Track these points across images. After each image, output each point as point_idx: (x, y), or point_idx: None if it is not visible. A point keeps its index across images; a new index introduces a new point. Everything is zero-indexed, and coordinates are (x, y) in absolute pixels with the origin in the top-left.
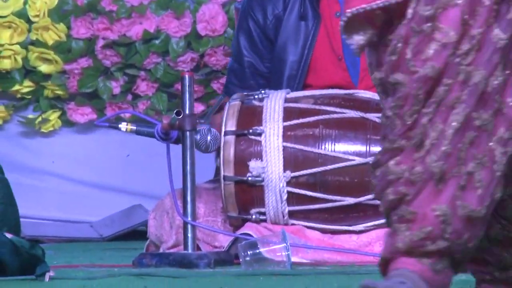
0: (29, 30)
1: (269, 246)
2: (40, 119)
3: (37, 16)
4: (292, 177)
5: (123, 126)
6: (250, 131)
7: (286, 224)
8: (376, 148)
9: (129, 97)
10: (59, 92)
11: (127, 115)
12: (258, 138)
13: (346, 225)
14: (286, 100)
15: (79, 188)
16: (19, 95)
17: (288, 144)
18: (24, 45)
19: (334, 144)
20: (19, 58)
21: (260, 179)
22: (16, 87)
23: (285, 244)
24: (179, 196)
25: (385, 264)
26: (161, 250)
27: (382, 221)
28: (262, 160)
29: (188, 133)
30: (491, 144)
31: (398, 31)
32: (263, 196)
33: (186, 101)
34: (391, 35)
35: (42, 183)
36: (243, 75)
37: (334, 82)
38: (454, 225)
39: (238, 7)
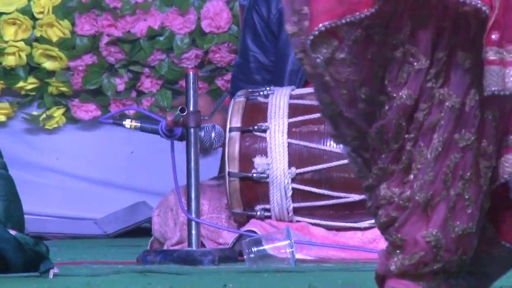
0: (34, 27)
1: (273, 243)
2: (44, 115)
3: (42, 12)
4: (297, 174)
5: (127, 123)
6: (255, 127)
7: (290, 221)
8: None
9: (133, 94)
10: (64, 89)
11: (131, 112)
12: (263, 134)
13: (351, 222)
14: (291, 97)
15: (83, 185)
16: (23, 92)
17: (293, 141)
18: (29, 41)
19: None
20: (23, 55)
21: (265, 175)
22: (21, 83)
23: (289, 241)
24: (183, 193)
25: (381, 279)
26: (165, 247)
27: None
28: (267, 157)
29: (192, 130)
30: (476, 159)
31: (377, 56)
32: (267, 192)
33: (190, 98)
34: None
35: (46, 179)
36: (248, 69)
37: None
38: (446, 246)
39: (243, 3)
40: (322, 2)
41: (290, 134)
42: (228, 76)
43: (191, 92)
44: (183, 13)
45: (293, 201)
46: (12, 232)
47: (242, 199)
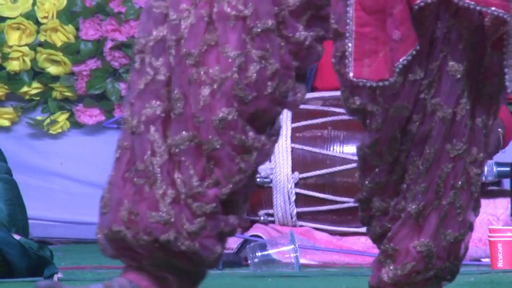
0: (38, 32)
1: (277, 248)
2: (48, 120)
3: (46, 17)
4: (301, 179)
5: None
6: None
7: (294, 226)
8: None
9: None
10: (68, 94)
11: None
12: None
13: (354, 227)
14: None
15: (87, 190)
16: (27, 97)
17: (297, 146)
18: (33, 46)
19: (343, 146)
20: (27, 60)
21: (268, 180)
22: (25, 88)
23: (293, 246)
24: None
25: None
26: None
27: None
28: (270, 161)
29: None
30: (467, 166)
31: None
32: (271, 197)
33: None
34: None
35: (50, 184)
36: None
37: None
38: (438, 254)
39: None
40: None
41: (294, 139)
42: None
43: None
44: None
45: (297, 206)
46: (17, 236)
47: None
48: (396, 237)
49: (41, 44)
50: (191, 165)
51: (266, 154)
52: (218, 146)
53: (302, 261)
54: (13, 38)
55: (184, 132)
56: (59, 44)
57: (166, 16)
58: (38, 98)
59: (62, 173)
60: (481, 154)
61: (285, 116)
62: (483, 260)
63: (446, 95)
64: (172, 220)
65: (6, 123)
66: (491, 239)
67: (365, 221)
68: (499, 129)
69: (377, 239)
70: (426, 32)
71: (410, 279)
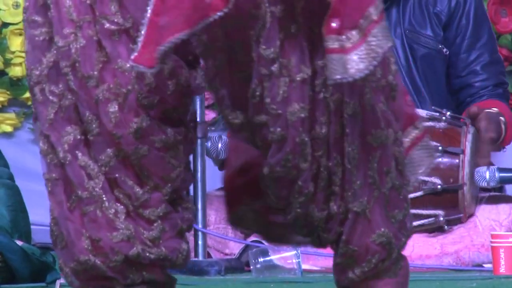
0: None
1: (280, 253)
2: None
3: None
4: None
5: None
6: None
7: None
8: None
9: None
10: None
11: None
12: None
13: None
14: None
15: None
16: (30, 102)
17: None
18: None
19: None
20: None
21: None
22: (27, 94)
23: (296, 251)
24: None
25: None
26: None
27: None
28: None
29: (199, 140)
30: (392, 151)
31: (254, 74)
32: None
33: (197, 108)
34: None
35: None
36: None
37: None
38: (396, 236)
39: None
40: (176, 12)
41: None
42: None
43: (198, 102)
44: None
45: None
46: (19, 242)
47: None
48: (352, 238)
49: None
50: (127, 178)
51: (191, 142)
52: (144, 153)
53: (305, 266)
54: (15, 43)
55: (108, 150)
56: None
57: (51, 41)
58: None
59: None
60: (399, 132)
61: None
62: (485, 265)
63: (349, 90)
64: (133, 233)
65: (9, 129)
66: (493, 244)
67: (311, 236)
68: (501, 118)
69: (332, 244)
70: (298, 30)
71: (378, 268)
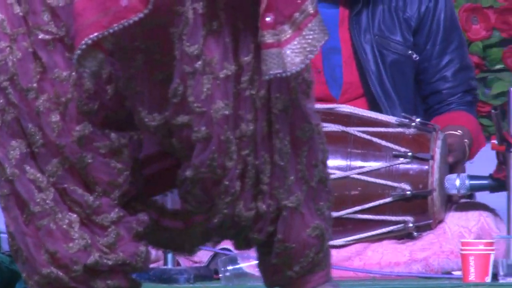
0: None
1: (249, 261)
2: None
3: None
4: None
5: None
6: None
7: None
8: (356, 162)
9: None
10: None
11: None
12: None
13: None
14: None
15: None
16: None
17: None
18: None
19: None
20: None
21: None
22: None
23: None
24: None
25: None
26: None
27: (363, 235)
28: None
29: None
30: (317, 145)
31: (176, 73)
32: None
33: None
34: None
35: None
36: None
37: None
38: (325, 227)
39: None
40: (87, 15)
41: None
42: None
43: None
44: None
45: None
46: None
47: None
48: (289, 235)
49: None
50: (76, 187)
51: (139, 144)
52: (89, 160)
53: None
54: None
55: (53, 160)
56: None
57: None
58: None
59: None
60: (319, 125)
61: None
62: (454, 273)
63: (278, 85)
64: (89, 242)
65: None
66: (463, 252)
67: (239, 237)
68: (465, 140)
69: (266, 245)
70: (220, 27)
71: (313, 263)
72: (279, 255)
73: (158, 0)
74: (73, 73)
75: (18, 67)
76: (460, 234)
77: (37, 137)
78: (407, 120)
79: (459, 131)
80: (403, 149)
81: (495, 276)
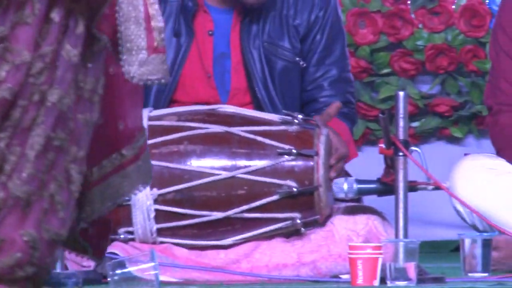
0: None
1: (137, 265)
2: None
3: None
4: (159, 195)
5: None
6: None
7: (154, 242)
8: (242, 162)
9: None
10: None
11: None
12: None
13: (214, 240)
14: (150, 119)
15: None
16: None
17: (154, 162)
18: None
19: (199, 160)
20: None
21: (127, 198)
22: None
23: (154, 263)
24: None
25: None
26: None
27: (251, 234)
28: None
29: None
30: (67, 164)
31: None
32: (130, 215)
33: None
34: None
35: None
36: None
37: (202, 99)
38: (41, 250)
39: None
40: None
41: (151, 156)
42: None
43: None
44: None
45: (157, 222)
46: None
47: None
48: (3, 227)
49: None
50: None
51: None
52: None
53: (163, 278)
54: None
55: None
56: None
57: None
58: None
59: None
60: (81, 152)
61: None
62: (342, 276)
63: (60, 80)
64: None
65: None
66: (351, 256)
67: None
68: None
69: None
70: (28, 18)
71: (13, 274)
72: None
73: None
74: None
75: None
76: (348, 238)
77: None
78: (290, 118)
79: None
80: (287, 147)
81: (383, 280)
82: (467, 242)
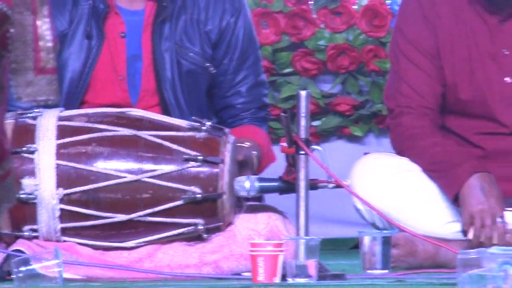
0: None
1: (41, 263)
2: None
3: None
4: (65, 195)
5: None
6: (24, 149)
7: (58, 241)
8: (148, 166)
9: None
10: None
11: None
12: (31, 156)
13: (117, 242)
14: (60, 119)
15: None
16: None
17: (62, 162)
18: None
19: (106, 162)
20: None
21: (33, 196)
22: None
23: (58, 261)
24: None
25: None
26: None
27: (153, 237)
28: (35, 177)
29: None
30: None
31: None
32: (35, 213)
33: None
34: None
35: None
36: None
37: (113, 101)
38: None
39: None
40: None
41: (59, 156)
42: None
43: None
44: None
45: (62, 222)
46: None
47: (11, 219)
48: None
49: None
50: None
51: None
52: None
53: (66, 275)
54: None
55: None
56: None
57: None
58: None
59: None
60: None
61: (50, 133)
62: (244, 274)
63: None
64: None
65: None
66: (252, 253)
67: None
68: (254, 152)
69: None
70: None
71: None
72: None
73: None
74: None
75: None
76: (249, 237)
77: None
78: (198, 124)
79: (246, 143)
80: (193, 153)
81: (284, 277)
82: (367, 239)
